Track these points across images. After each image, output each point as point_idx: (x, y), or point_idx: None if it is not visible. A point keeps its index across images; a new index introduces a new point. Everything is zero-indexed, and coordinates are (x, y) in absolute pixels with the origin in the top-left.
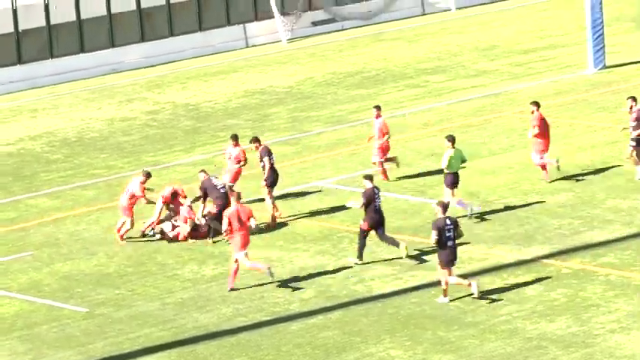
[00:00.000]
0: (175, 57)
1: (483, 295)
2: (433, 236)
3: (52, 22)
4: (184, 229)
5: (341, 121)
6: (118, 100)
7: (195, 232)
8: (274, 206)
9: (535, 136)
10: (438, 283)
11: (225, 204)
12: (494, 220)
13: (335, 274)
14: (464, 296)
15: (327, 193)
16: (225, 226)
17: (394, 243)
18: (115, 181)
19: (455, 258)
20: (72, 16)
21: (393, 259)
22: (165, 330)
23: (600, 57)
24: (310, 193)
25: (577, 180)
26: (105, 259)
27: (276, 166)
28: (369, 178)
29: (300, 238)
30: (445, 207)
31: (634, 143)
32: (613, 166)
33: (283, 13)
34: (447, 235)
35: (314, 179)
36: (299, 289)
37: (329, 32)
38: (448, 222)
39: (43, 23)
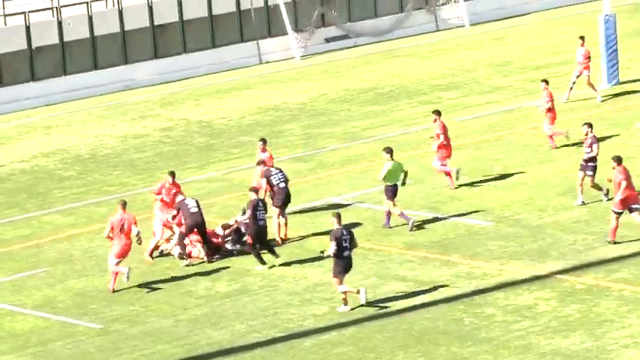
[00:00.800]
0: (189, 74)
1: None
2: (332, 247)
3: (66, 39)
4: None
5: (355, 138)
6: (131, 116)
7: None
8: (279, 227)
9: (439, 145)
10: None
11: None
12: (508, 236)
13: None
14: (478, 311)
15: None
16: (106, 232)
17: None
18: (129, 197)
19: (350, 267)
20: (85, 33)
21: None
22: (178, 347)
23: (614, 72)
24: (324, 209)
25: (591, 196)
26: (119, 276)
27: (289, 183)
28: (338, 216)
29: (315, 254)
30: (340, 218)
31: (590, 172)
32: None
33: (297, 29)
34: (344, 245)
35: (328, 196)
36: (313, 305)
37: (342, 49)
38: (345, 232)
39: (56, 40)
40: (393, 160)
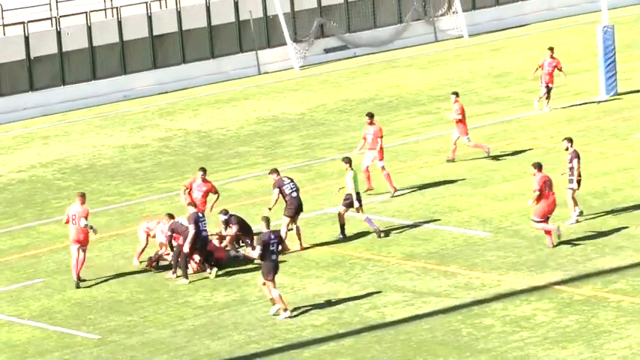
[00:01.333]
0: (187, 84)
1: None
2: (258, 250)
3: (65, 49)
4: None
5: (353, 148)
6: (129, 127)
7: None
8: (287, 236)
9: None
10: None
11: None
12: (506, 247)
13: (347, 300)
14: (477, 322)
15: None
16: (63, 220)
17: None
18: (127, 208)
19: (277, 271)
20: (84, 43)
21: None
22: (177, 357)
23: (612, 84)
24: (324, 219)
25: (589, 206)
26: (117, 286)
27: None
28: (266, 220)
29: (313, 264)
30: (268, 222)
31: (572, 185)
32: (625, 193)
33: (296, 40)
34: (272, 249)
35: (327, 206)
36: (312, 315)
37: (341, 59)
38: (272, 237)
39: (55, 50)
40: (352, 169)
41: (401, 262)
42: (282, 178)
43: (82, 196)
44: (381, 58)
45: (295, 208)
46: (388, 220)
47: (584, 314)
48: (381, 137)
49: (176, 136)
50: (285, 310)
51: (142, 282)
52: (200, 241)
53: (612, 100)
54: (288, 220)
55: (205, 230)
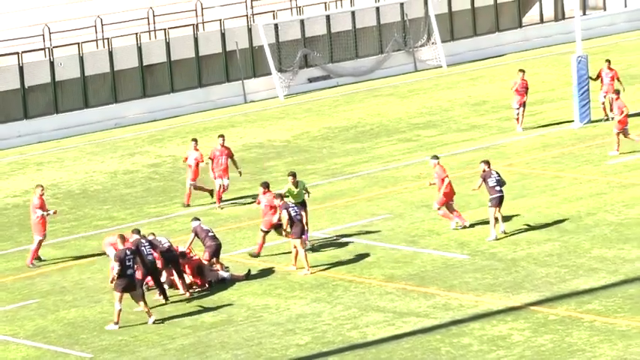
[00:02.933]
0: (176, 112)
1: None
2: (116, 267)
3: (58, 78)
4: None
5: (336, 174)
6: (120, 153)
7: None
8: (297, 256)
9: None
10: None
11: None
12: (484, 269)
13: (330, 321)
14: (455, 341)
15: (322, 243)
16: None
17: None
18: (118, 231)
19: (132, 287)
20: (77, 73)
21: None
22: None
23: (586, 112)
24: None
25: (563, 230)
26: (108, 307)
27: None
28: (121, 237)
29: (298, 286)
30: (123, 238)
31: (490, 204)
32: (598, 217)
33: (280, 70)
34: (127, 264)
35: (311, 230)
36: (296, 335)
37: (324, 88)
38: (128, 253)
39: (48, 80)
40: (296, 182)
41: (382, 284)
42: (288, 202)
43: (42, 187)
44: (363, 88)
45: (301, 230)
46: (369, 244)
47: (559, 334)
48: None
49: (165, 163)
50: (117, 323)
51: (132, 303)
52: (146, 267)
53: (586, 127)
54: (299, 240)
55: (151, 254)
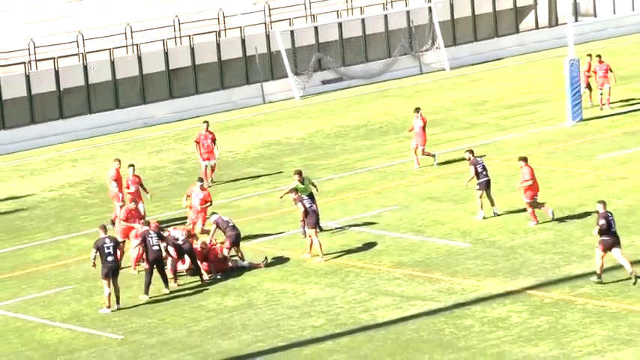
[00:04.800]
0: (200, 112)
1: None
2: (92, 254)
3: (91, 81)
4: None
5: (348, 169)
6: (149, 150)
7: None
8: (311, 244)
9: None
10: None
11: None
12: (484, 256)
13: (343, 304)
14: (458, 322)
15: (336, 232)
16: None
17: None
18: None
19: (115, 272)
20: (108, 76)
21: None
22: (192, 355)
23: (578, 111)
24: (322, 232)
25: (557, 220)
26: (138, 292)
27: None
28: (103, 227)
29: (313, 272)
30: (105, 228)
31: (477, 187)
32: (589, 208)
33: (296, 73)
34: (107, 251)
35: (325, 220)
36: (311, 317)
37: (337, 90)
38: (107, 241)
39: (82, 83)
40: (302, 179)
41: (390, 270)
42: (302, 195)
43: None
44: (373, 89)
45: (315, 221)
46: (378, 233)
47: (554, 315)
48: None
49: (190, 159)
50: (108, 307)
51: (160, 288)
52: (152, 254)
53: (578, 125)
54: (313, 230)
55: (157, 245)
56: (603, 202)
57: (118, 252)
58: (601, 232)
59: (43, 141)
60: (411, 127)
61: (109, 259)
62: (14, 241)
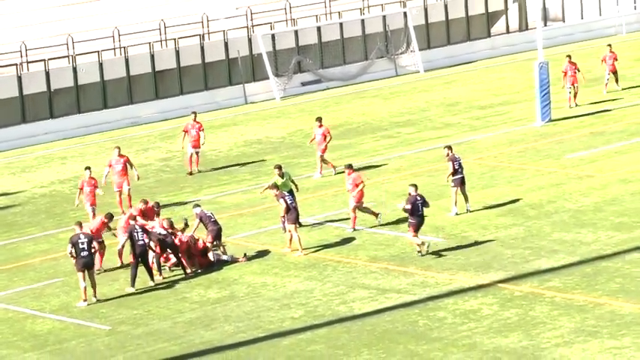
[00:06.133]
0: (185, 112)
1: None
2: (69, 249)
3: (80, 82)
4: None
5: (326, 167)
6: (135, 149)
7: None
8: (291, 239)
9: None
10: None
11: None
12: (457, 251)
13: (321, 297)
14: (431, 314)
15: (315, 228)
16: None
17: None
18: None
19: (89, 266)
20: (97, 78)
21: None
22: (176, 345)
23: (547, 112)
24: (302, 227)
25: (527, 216)
26: (124, 284)
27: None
28: (79, 224)
29: (292, 266)
30: (81, 225)
31: (452, 184)
32: (558, 204)
33: (277, 74)
34: (81, 247)
35: (304, 216)
36: (290, 309)
37: (316, 91)
38: (82, 237)
39: (72, 84)
40: (282, 173)
41: (367, 264)
42: (284, 192)
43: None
44: (350, 90)
45: (295, 217)
46: (356, 228)
47: (523, 308)
48: None
49: (175, 157)
50: (85, 300)
51: (145, 281)
52: (138, 249)
53: (547, 125)
54: (293, 226)
55: (142, 240)
56: (415, 185)
57: (93, 247)
58: (411, 214)
59: (34, 139)
60: (313, 136)
61: (83, 254)
62: (6, 236)
